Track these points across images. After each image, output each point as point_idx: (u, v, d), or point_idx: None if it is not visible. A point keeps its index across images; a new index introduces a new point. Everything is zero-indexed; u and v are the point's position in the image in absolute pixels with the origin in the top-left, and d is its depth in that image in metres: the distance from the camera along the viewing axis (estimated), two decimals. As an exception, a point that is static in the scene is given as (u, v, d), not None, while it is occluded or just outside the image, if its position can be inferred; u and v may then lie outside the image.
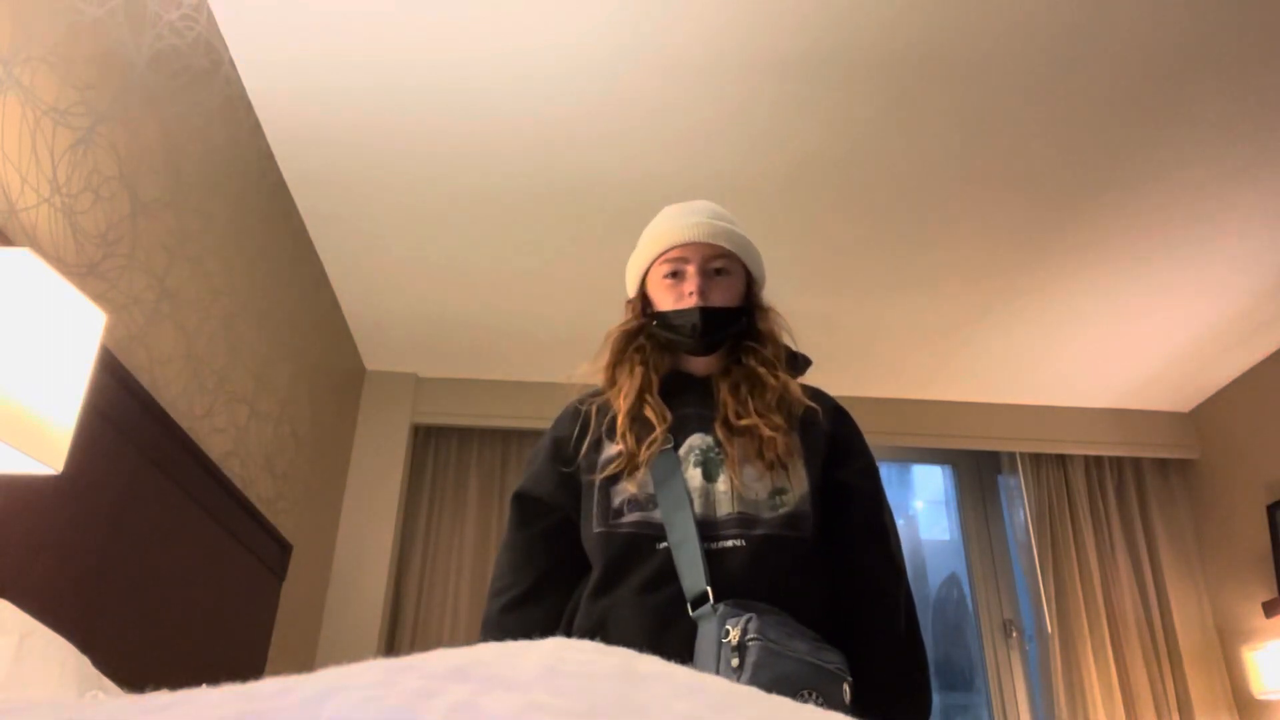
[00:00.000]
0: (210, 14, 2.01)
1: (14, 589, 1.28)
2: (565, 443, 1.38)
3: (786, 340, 1.40)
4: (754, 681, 1.02)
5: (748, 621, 1.07)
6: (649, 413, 1.30)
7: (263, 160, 2.39)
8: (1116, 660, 3.42)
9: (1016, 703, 3.48)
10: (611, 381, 1.37)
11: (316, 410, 2.96)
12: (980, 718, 3.58)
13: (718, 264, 1.35)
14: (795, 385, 1.34)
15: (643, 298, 1.41)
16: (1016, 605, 3.66)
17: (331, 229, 2.75)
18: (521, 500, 1.39)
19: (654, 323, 1.37)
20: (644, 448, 1.26)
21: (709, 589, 1.13)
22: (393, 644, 3.27)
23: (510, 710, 0.34)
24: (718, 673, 1.05)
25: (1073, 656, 3.40)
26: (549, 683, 0.37)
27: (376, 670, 0.37)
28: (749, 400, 1.29)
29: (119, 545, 1.68)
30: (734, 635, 1.06)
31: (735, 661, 1.04)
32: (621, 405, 1.31)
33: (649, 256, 1.39)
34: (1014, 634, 3.59)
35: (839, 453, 1.34)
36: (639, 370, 1.34)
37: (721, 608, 1.10)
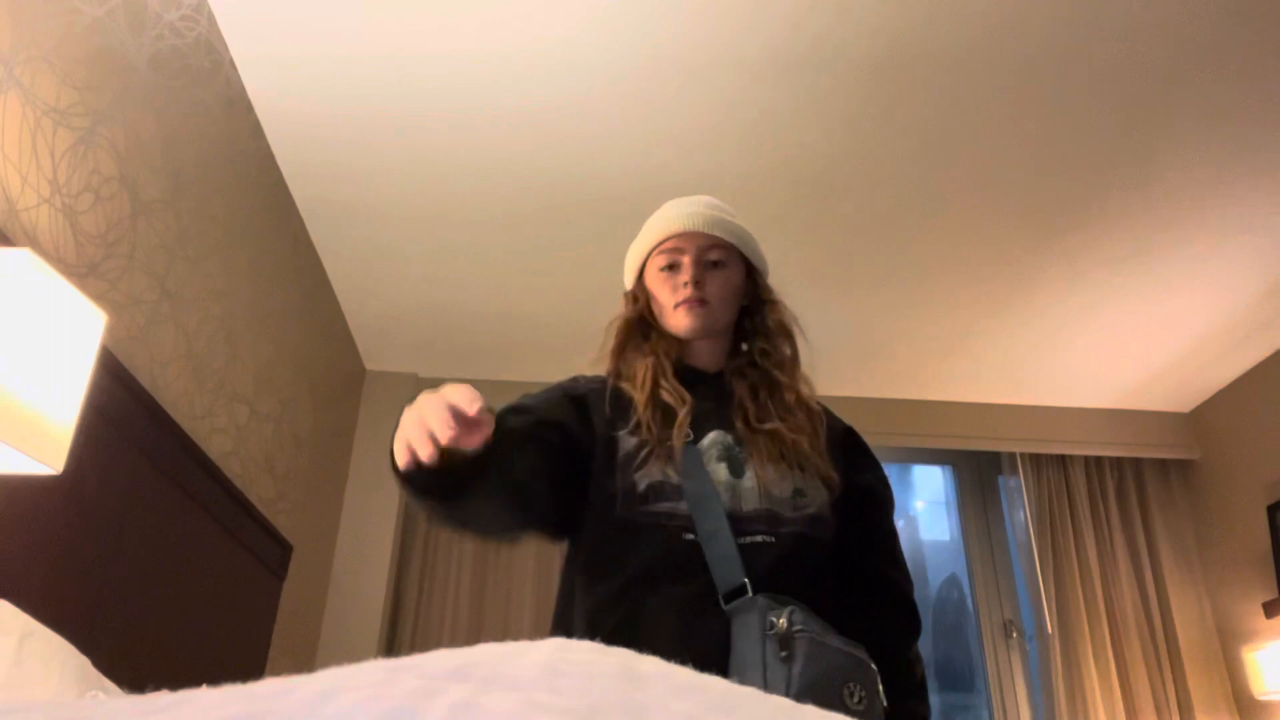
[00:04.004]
0: (210, 14, 2.01)
1: (14, 589, 1.28)
2: (581, 399, 1.29)
3: (796, 335, 1.38)
4: (806, 672, 1.00)
5: (792, 613, 1.04)
6: (667, 397, 1.24)
7: (263, 160, 2.39)
8: (1116, 660, 3.41)
9: (1016, 703, 3.47)
10: (617, 369, 1.32)
11: (316, 410, 2.96)
12: (980, 718, 3.58)
13: (714, 255, 1.32)
14: (810, 386, 1.34)
15: (643, 291, 1.37)
16: (1016, 605, 3.65)
17: (331, 229, 2.75)
18: (512, 409, 1.19)
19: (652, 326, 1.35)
20: (675, 430, 1.21)
21: (747, 581, 1.10)
22: (393, 644, 3.27)
23: (510, 710, 0.34)
24: (764, 663, 1.02)
25: (1073, 656, 3.40)
26: (549, 683, 0.37)
27: (376, 670, 0.37)
28: (769, 405, 1.27)
29: (119, 545, 1.68)
30: (781, 625, 1.03)
31: (784, 653, 1.01)
32: (639, 393, 1.25)
33: (646, 247, 1.36)
34: (1014, 634, 3.58)
35: (854, 464, 1.33)
36: (650, 357, 1.30)
37: (760, 599, 1.07)
